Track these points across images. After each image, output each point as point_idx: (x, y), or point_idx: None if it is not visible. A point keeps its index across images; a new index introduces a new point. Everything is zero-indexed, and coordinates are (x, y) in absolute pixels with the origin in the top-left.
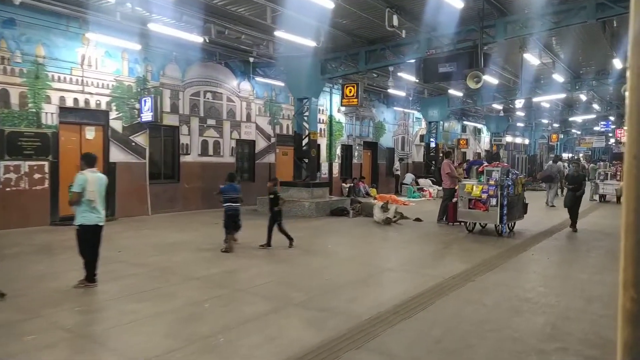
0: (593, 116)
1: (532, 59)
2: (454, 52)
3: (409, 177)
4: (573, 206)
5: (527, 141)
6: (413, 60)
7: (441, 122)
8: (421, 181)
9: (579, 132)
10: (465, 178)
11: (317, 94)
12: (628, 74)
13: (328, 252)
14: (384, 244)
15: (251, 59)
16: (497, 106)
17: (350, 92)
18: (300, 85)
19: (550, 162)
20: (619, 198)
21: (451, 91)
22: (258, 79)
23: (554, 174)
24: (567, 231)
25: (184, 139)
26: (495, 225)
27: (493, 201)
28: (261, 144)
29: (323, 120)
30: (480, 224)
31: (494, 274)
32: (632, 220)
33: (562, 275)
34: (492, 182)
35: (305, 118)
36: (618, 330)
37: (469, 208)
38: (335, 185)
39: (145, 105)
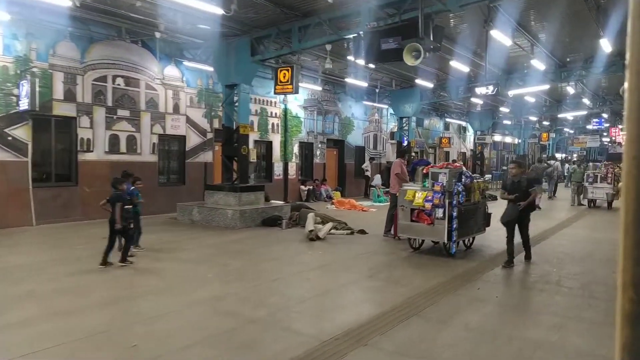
0: (584, 112)
1: (502, 38)
2: (398, 23)
3: (377, 179)
4: (510, 222)
5: (517, 140)
6: (352, 36)
7: (414, 118)
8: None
9: (571, 131)
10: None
11: (248, 80)
12: (627, 73)
13: (189, 288)
14: (283, 272)
15: (157, 34)
16: (477, 100)
17: (284, 77)
18: (229, 69)
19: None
20: (610, 203)
21: (419, 81)
22: (188, 63)
23: (540, 176)
24: (538, 249)
25: (84, 133)
26: (443, 243)
27: (439, 212)
28: (194, 140)
29: (276, 114)
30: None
31: (405, 329)
32: (631, 221)
33: (503, 334)
34: (437, 188)
35: (236, 108)
36: (616, 332)
37: (411, 220)
38: (292, 188)
39: (22, 90)
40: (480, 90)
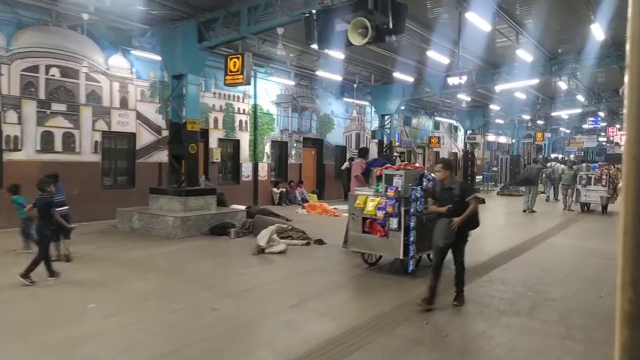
0: (579, 110)
1: (480, 22)
2: (354, 0)
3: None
4: (444, 248)
5: (512, 140)
6: (304, 16)
7: (396, 115)
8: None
9: (567, 131)
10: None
11: (196, 69)
12: (626, 74)
13: (50, 325)
14: (191, 300)
15: (85, 16)
16: (464, 97)
17: (234, 66)
18: (175, 58)
19: (532, 163)
20: (605, 207)
21: (398, 75)
22: (137, 52)
23: (533, 177)
24: (516, 263)
25: (10, 130)
26: (401, 259)
27: (394, 223)
28: (146, 137)
29: (245, 110)
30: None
31: None
32: (630, 222)
33: None
34: (391, 194)
35: (184, 102)
36: (616, 332)
37: (363, 231)
38: (264, 191)
39: None
40: (452, 80)
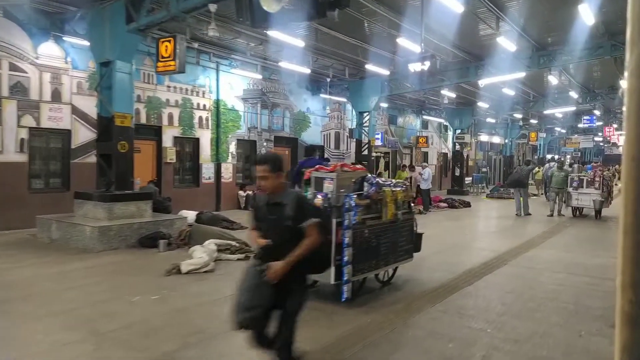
0: (572, 108)
1: (451, 2)
2: None
3: None
4: (256, 316)
5: (505, 140)
6: None
7: (375, 113)
8: None
9: (563, 131)
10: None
11: (126, 56)
12: (626, 75)
13: None
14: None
15: None
16: (448, 93)
17: (166, 51)
18: (103, 42)
19: (523, 164)
20: (598, 212)
21: (370, 67)
22: (72, 39)
23: (523, 178)
24: (483, 284)
25: None
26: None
27: None
28: (84, 135)
29: (205, 106)
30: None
31: None
32: (630, 222)
33: None
34: (318, 202)
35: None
36: (616, 333)
37: None
38: (229, 194)
39: None
40: (414, 66)
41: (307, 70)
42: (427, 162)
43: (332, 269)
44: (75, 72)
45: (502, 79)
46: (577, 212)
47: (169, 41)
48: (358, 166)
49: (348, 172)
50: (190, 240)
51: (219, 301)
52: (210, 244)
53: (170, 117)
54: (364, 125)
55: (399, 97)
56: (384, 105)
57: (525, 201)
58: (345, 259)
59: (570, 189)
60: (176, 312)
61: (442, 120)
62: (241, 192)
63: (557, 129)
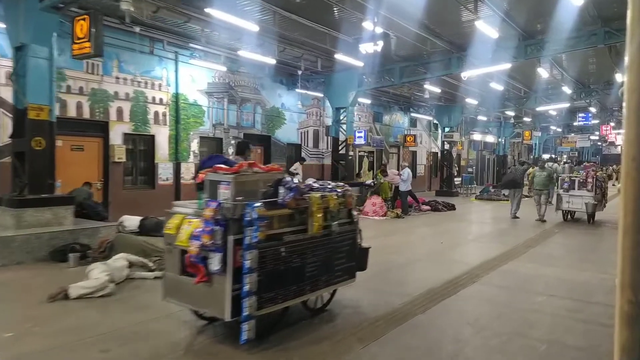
0: (566, 105)
1: None
2: None
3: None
4: None
5: (499, 139)
6: None
7: (352, 109)
8: None
9: (559, 130)
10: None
11: (42, 38)
12: (626, 74)
13: None
14: None
15: None
16: (432, 88)
17: (81, 30)
18: (17, 24)
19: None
20: (591, 216)
21: (342, 57)
22: None
23: (518, 179)
24: (440, 310)
25: None
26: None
27: (214, 261)
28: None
29: (162, 100)
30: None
31: None
32: (630, 222)
33: None
34: (208, 214)
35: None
36: (615, 333)
37: (184, 272)
38: (191, 196)
39: None
40: (365, 47)
41: (272, 61)
42: (417, 162)
43: (227, 302)
44: (3, 60)
45: (487, 71)
46: (569, 216)
47: (84, 19)
48: (273, 166)
49: (255, 174)
50: (112, 252)
51: (92, 341)
52: (119, 260)
53: (120, 111)
54: (342, 122)
55: (383, 93)
56: (367, 101)
57: (518, 204)
58: (246, 288)
59: (560, 191)
60: (27, 357)
61: (431, 118)
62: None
63: (553, 127)
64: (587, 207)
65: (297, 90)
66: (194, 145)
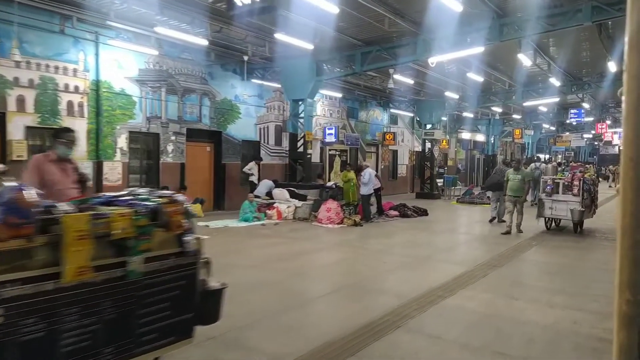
0: (555, 99)
1: None
2: None
3: (264, 186)
4: None
5: (491, 138)
6: None
7: (310, 101)
8: (276, 192)
9: (552, 128)
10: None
11: None
12: (624, 76)
13: None
14: None
15: None
16: (403, 79)
17: None
18: None
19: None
20: (578, 224)
21: (283, 37)
22: None
23: (503, 181)
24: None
25: None
26: None
27: None
28: None
29: (78, 88)
30: None
31: None
32: (628, 223)
33: None
34: None
35: None
36: (614, 333)
37: None
38: None
39: None
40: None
41: (203, 42)
42: (397, 162)
43: None
44: None
45: (457, 56)
46: (552, 224)
47: None
48: None
49: None
50: None
51: None
52: None
53: (21, 101)
54: (300, 115)
55: (356, 86)
56: (337, 94)
57: (502, 207)
58: None
59: (542, 195)
60: None
61: (413, 115)
62: None
63: (546, 125)
64: (573, 215)
65: (253, 80)
66: (122, 142)
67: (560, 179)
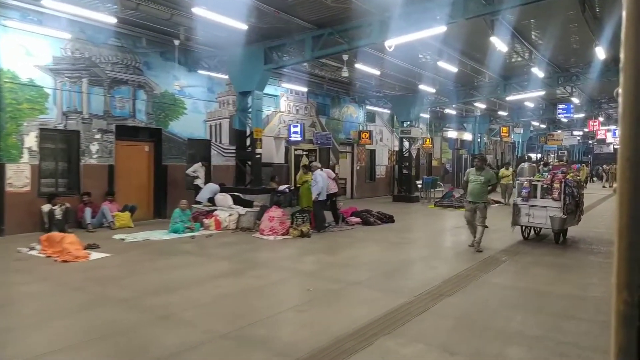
0: (541, 92)
1: None
2: None
3: (207, 191)
4: None
5: (483, 137)
6: None
7: (258, 93)
8: (218, 198)
9: (543, 126)
10: None
11: None
12: (621, 75)
13: None
14: None
15: None
16: (367, 68)
17: None
18: None
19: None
20: (560, 234)
21: (201, 12)
22: None
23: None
24: None
25: None
26: None
27: None
28: None
29: None
30: None
31: None
32: (625, 223)
33: None
34: None
35: None
36: (612, 333)
37: None
38: (27, 209)
39: None
40: None
41: (111, 19)
42: (375, 163)
43: None
44: None
45: (417, 37)
46: (530, 233)
47: None
48: None
49: None
50: None
51: None
52: None
53: None
54: (248, 110)
55: (322, 79)
56: (302, 89)
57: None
58: None
59: (518, 200)
60: None
61: (392, 111)
62: (46, 206)
63: (535, 123)
64: (553, 223)
65: (200, 72)
66: (31, 141)
67: (538, 180)
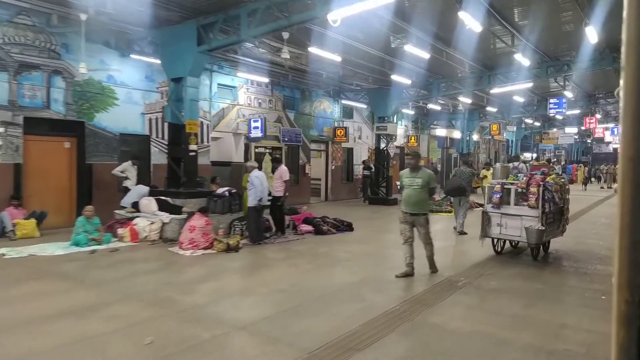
0: (528, 84)
1: None
2: None
3: (134, 194)
4: None
5: (473, 135)
6: None
7: (191, 80)
8: (143, 203)
9: (537, 124)
10: None
11: None
12: (622, 75)
13: None
14: None
15: None
16: (323, 53)
17: None
18: None
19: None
20: (539, 247)
21: None
22: None
23: (465, 185)
24: None
25: None
26: None
27: None
28: None
29: None
30: None
31: None
32: (626, 223)
33: None
34: None
35: None
36: (613, 333)
37: None
38: None
39: None
40: None
41: None
42: (353, 162)
43: None
44: None
45: (364, 9)
46: (505, 244)
47: None
48: None
49: None
50: None
51: None
52: None
53: None
54: (179, 101)
55: (282, 68)
56: (263, 79)
57: (464, 214)
58: None
59: (488, 207)
60: None
61: (366, 106)
62: None
63: (529, 120)
64: (529, 235)
65: (134, 56)
66: None
67: (511, 184)
